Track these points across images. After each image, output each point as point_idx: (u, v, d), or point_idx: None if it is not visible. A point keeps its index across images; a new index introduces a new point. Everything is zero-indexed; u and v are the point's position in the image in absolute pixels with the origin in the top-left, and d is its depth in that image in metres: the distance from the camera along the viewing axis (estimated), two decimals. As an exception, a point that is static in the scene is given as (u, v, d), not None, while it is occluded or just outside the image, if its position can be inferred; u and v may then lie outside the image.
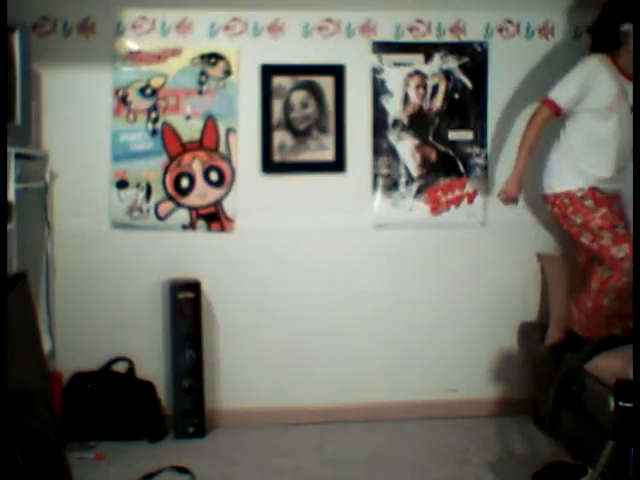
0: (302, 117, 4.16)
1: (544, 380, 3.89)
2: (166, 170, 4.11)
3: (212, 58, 4.09)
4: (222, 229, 4.17)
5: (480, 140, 4.25)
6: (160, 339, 4.15)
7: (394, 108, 4.21)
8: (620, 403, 2.57)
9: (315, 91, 4.17)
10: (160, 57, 4.06)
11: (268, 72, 4.12)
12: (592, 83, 3.70)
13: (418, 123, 4.23)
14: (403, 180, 4.24)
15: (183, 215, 4.14)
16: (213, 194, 4.15)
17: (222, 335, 4.19)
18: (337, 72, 4.16)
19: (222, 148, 4.13)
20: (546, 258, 4.23)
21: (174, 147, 4.10)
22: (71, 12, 4.00)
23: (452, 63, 4.21)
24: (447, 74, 4.21)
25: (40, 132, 3.98)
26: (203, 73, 4.09)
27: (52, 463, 2.51)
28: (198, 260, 4.15)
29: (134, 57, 4.05)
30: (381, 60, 4.18)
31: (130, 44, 4.05)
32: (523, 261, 4.28)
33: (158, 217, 4.12)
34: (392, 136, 4.21)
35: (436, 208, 4.26)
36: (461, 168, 4.25)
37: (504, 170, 4.25)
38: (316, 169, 4.20)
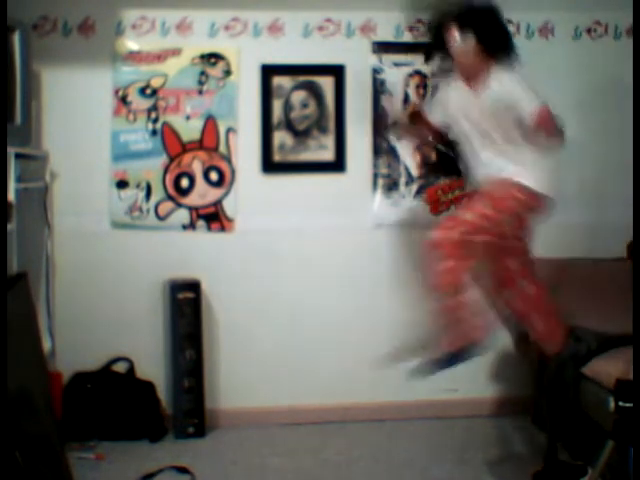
0: (302, 117, 4.16)
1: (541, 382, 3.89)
2: (166, 170, 4.10)
3: (212, 58, 4.09)
4: (222, 229, 4.17)
5: (480, 140, 4.24)
6: (160, 339, 4.15)
7: (394, 108, 4.21)
8: (620, 403, 2.58)
9: (315, 91, 4.17)
10: (160, 57, 4.06)
11: (268, 72, 4.12)
12: None
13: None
14: (403, 180, 4.23)
15: (183, 215, 4.14)
16: (213, 194, 4.15)
17: (222, 335, 4.19)
18: (337, 72, 4.16)
19: (222, 148, 4.13)
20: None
21: (174, 147, 4.10)
22: (71, 12, 4.00)
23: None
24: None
25: (40, 132, 3.97)
26: (203, 73, 4.09)
27: (52, 463, 2.51)
28: (198, 260, 4.15)
29: (134, 57, 4.05)
30: (381, 60, 4.18)
31: (130, 44, 4.05)
32: (523, 261, 4.28)
33: (158, 217, 4.12)
34: (392, 136, 4.20)
35: (436, 208, 4.26)
36: (461, 168, 4.24)
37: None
38: (316, 169, 4.20)
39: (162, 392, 4.14)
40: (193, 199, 4.14)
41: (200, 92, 4.09)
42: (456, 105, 3.64)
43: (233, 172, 4.15)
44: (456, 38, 3.49)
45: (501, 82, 3.46)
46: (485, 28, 3.51)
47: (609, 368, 3.25)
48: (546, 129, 3.39)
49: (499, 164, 3.51)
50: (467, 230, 3.38)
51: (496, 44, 3.54)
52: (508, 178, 3.47)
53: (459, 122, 3.64)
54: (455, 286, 3.41)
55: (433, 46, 3.73)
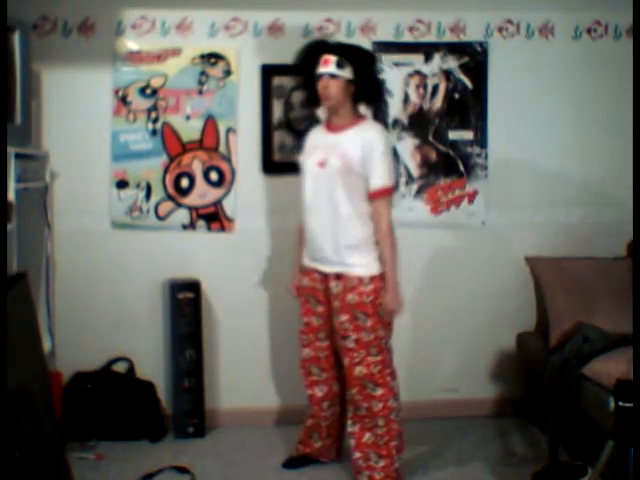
0: (302, 117, 4.16)
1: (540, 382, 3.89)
2: (166, 170, 4.11)
3: (212, 58, 4.09)
4: (222, 229, 4.17)
5: (480, 140, 4.25)
6: (160, 339, 4.15)
7: (394, 108, 4.21)
8: (620, 403, 2.58)
9: (315, 91, 4.16)
10: (160, 57, 4.06)
11: (268, 72, 4.12)
12: None
13: (418, 123, 4.23)
14: (403, 180, 4.24)
15: (183, 215, 4.14)
16: (213, 194, 4.15)
17: (222, 335, 4.19)
18: (337, 72, 4.16)
19: (222, 148, 4.13)
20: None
21: (174, 147, 4.10)
22: (71, 12, 4.00)
23: (452, 63, 4.21)
24: (447, 74, 4.21)
25: (40, 132, 3.98)
26: (203, 73, 4.09)
27: (52, 463, 2.51)
28: (198, 260, 4.15)
29: (134, 57, 4.05)
30: (381, 60, 4.17)
31: (130, 44, 4.05)
32: (523, 261, 4.28)
33: (158, 217, 4.12)
34: (392, 136, 4.20)
35: (436, 208, 4.26)
36: (461, 168, 4.25)
37: (504, 170, 4.26)
38: (316, 169, 4.19)
39: (162, 392, 4.14)
40: (193, 199, 4.14)
41: (200, 92, 4.10)
42: (311, 146, 3.49)
43: (233, 172, 4.15)
44: (332, 64, 3.32)
45: (366, 138, 3.34)
46: (364, 68, 3.38)
47: (609, 368, 3.25)
48: (378, 202, 3.38)
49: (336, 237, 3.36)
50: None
51: (370, 88, 3.41)
52: (352, 275, 3.33)
53: (308, 167, 3.43)
54: None
55: (300, 68, 3.52)
